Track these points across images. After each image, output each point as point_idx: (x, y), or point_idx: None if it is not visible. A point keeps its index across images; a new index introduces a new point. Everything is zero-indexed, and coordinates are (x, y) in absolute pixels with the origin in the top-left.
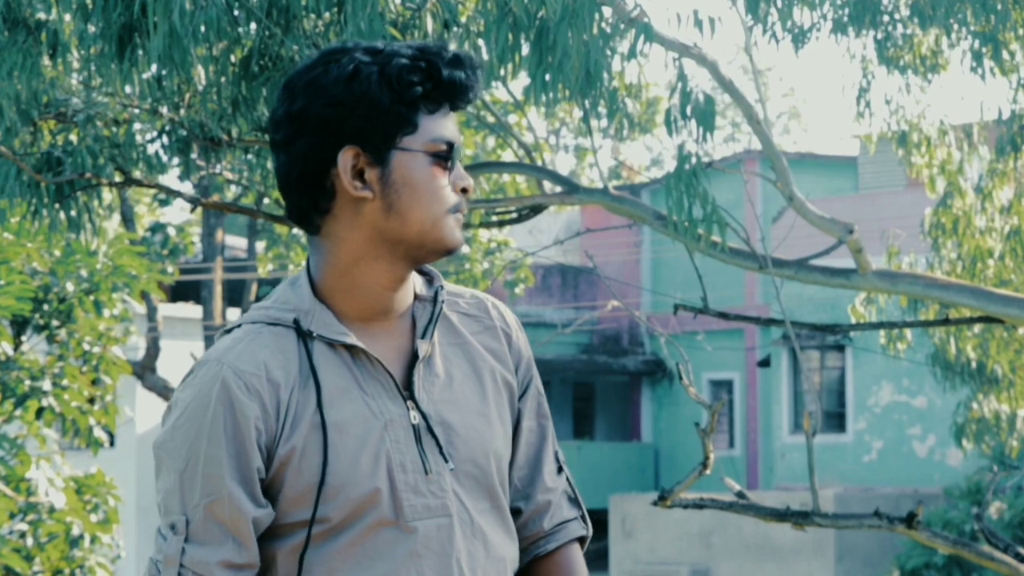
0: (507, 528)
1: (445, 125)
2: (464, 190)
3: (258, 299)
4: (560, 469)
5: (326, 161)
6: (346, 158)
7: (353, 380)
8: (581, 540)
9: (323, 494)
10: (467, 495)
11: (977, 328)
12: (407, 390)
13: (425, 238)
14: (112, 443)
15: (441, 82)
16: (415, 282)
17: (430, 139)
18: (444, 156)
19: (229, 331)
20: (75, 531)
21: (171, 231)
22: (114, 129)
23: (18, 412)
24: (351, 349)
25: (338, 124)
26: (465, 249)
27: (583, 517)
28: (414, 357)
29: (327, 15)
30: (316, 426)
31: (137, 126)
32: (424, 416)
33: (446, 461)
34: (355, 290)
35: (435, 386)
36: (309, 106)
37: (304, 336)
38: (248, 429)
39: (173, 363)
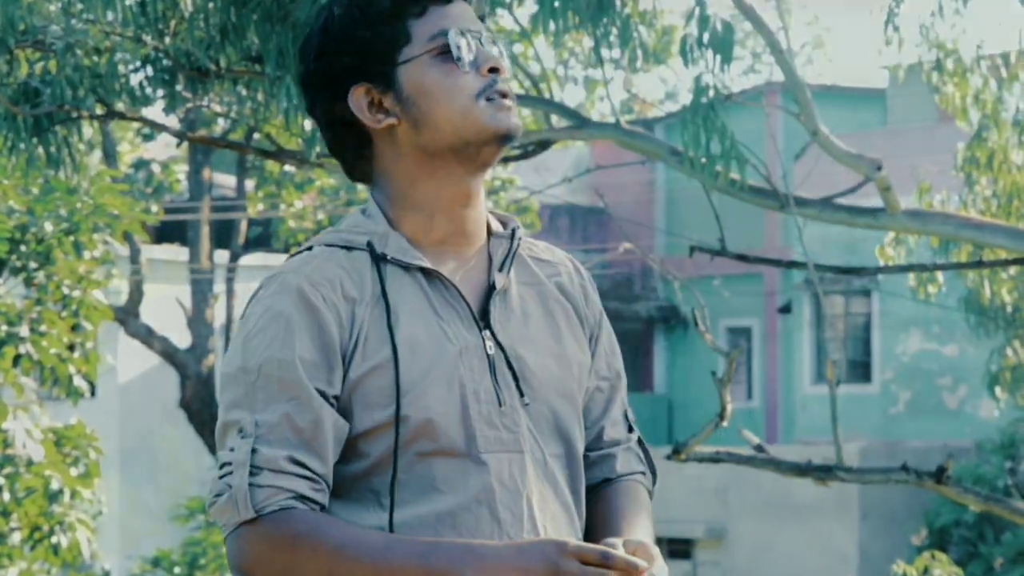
0: (577, 477)
1: (440, 18)
2: (493, 69)
3: (248, 241)
4: (631, 428)
5: (344, 110)
6: (357, 98)
7: (428, 304)
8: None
9: (400, 415)
10: (540, 435)
11: (1013, 271)
12: (483, 320)
13: (464, 135)
14: (93, 393)
15: None
16: (491, 221)
17: (426, 39)
18: (446, 48)
19: (297, 254)
20: (54, 485)
21: (155, 168)
22: (95, 59)
23: None
24: (426, 274)
25: (334, 72)
26: None
27: (652, 476)
28: (490, 290)
29: None
30: (386, 344)
31: (119, 55)
32: (501, 348)
33: (522, 395)
34: (422, 210)
35: (510, 321)
36: (306, 69)
37: (377, 259)
38: (327, 338)
39: (157, 308)
